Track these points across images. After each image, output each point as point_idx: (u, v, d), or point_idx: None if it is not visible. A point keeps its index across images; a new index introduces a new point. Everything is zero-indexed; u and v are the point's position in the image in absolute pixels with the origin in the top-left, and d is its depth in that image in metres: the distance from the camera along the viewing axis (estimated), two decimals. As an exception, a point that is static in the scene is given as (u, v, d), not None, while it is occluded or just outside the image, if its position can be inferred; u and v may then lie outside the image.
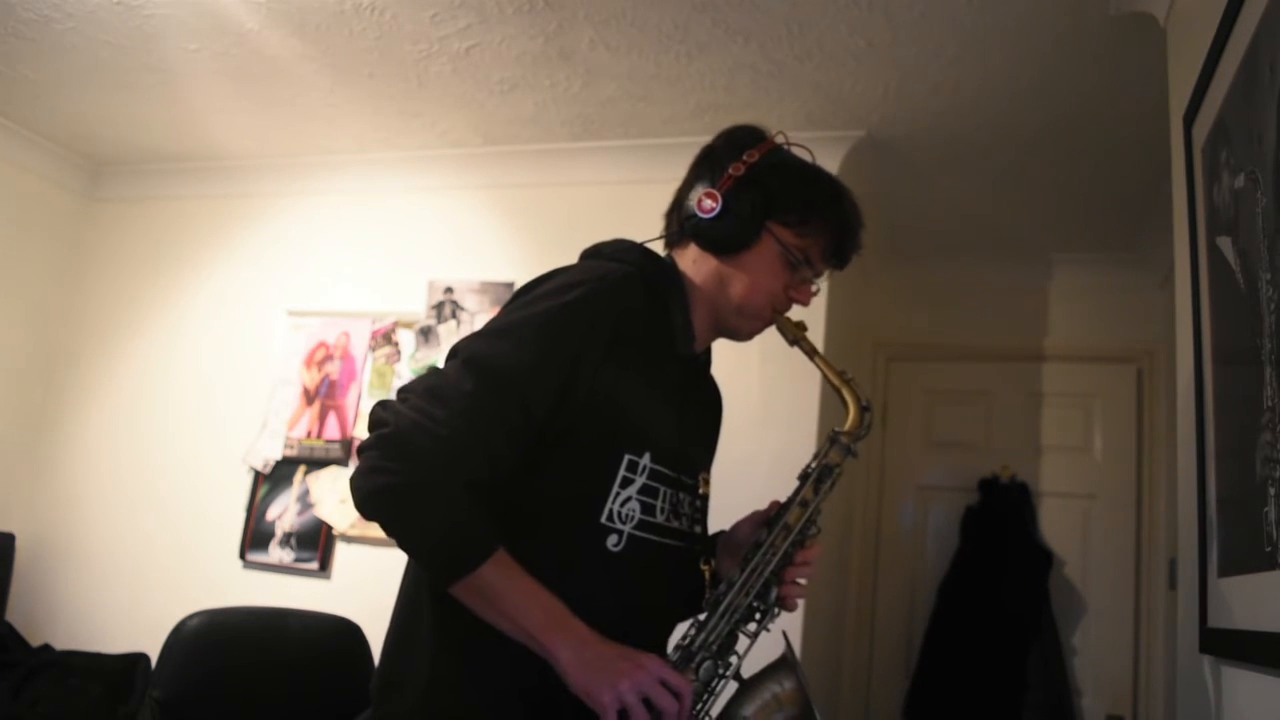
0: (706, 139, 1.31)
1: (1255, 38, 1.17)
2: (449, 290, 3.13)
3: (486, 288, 3.09)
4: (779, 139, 1.28)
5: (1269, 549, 1.04)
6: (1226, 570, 1.24)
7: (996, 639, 3.13)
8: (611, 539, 1.14)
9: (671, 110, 2.78)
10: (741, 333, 1.30)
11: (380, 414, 1.07)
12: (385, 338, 3.18)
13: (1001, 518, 3.28)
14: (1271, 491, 1.05)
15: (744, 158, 1.24)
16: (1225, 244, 1.29)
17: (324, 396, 3.20)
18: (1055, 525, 3.30)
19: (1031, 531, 3.27)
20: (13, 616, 3.16)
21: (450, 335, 3.09)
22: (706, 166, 1.27)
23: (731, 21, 2.31)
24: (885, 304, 3.66)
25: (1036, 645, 3.14)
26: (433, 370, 1.12)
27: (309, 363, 3.25)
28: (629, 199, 2.85)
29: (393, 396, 1.11)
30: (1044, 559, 3.22)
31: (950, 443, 3.54)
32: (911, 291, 3.65)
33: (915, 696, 3.25)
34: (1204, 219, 1.43)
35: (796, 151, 1.30)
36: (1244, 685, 1.18)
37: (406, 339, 3.16)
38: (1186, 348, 1.52)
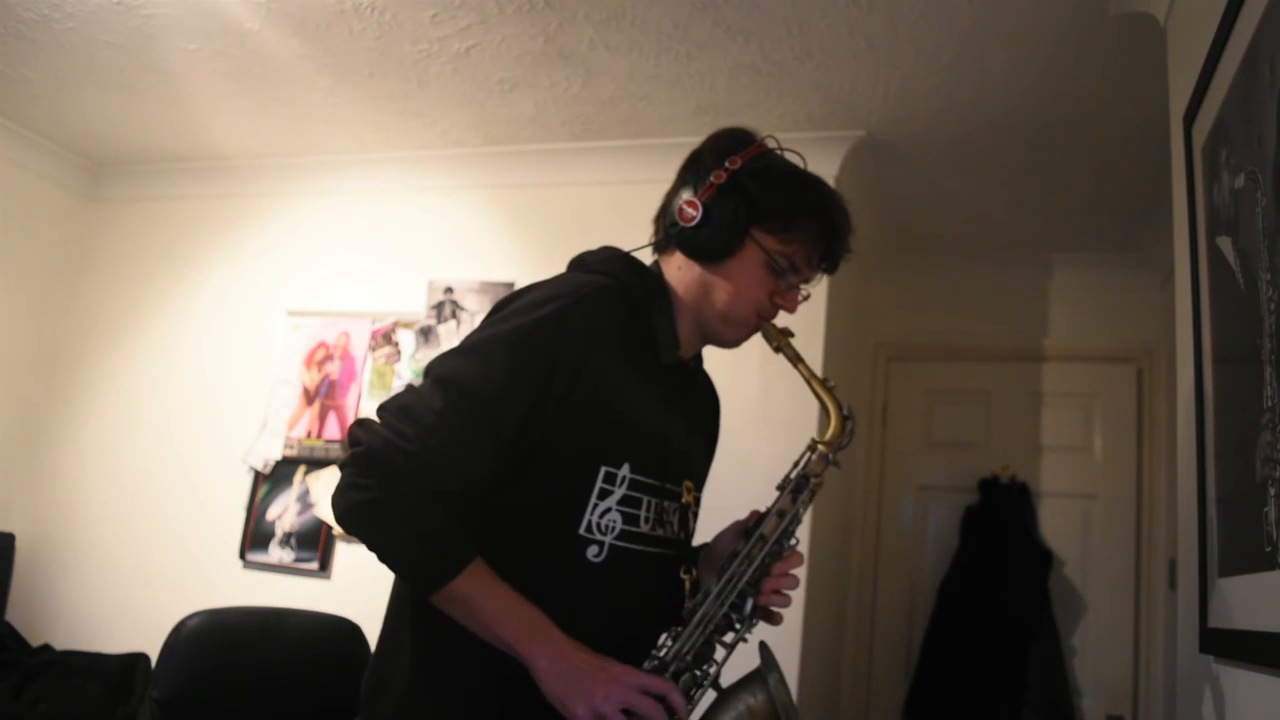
0: (706, 139, 1.30)
1: (1255, 38, 1.17)
2: (449, 290, 3.13)
3: (486, 288, 3.09)
4: (769, 142, 1.26)
5: (1269, 549, 1.04)
6: (1226, 570, 1.24)
7: (996, 639, 3.12)
8: (592, 550, 1.15)
9: (671, 110, 2.78)
10: (727, 340, 1.30)
11: (357, 433, 1.10)
12: (385, 338, 3.18)
13: (1001, 518, 3.28)
14: (1271, 491, 1.05)
15: (726, 164, 1.21)
16: (1225, 244, 1.29)
17: (324, 396, 3.20)
18: (1055, 525, 3.30)
19: (1031, 531, 3.27)
20: (13, 616, 3.16)
21: (450, 335, 3.09)
22: (691, 172, 1.25)
23: (731, 21, 2.31)
24: (885, 304, 3.66)
25: (1036, 645, 3.14)
26: (408, 389, 1.14)
27: (309, 363, 3.25)
28: (629, 199, 2.84)
29: (390, 399, 1.13)
30: (1044, 559, 3.22)
31: (950, 443, 3.54)
32: (912, 291, 3.65)
33: (915, 696, 3.25)
34: (1204, 219, 1.43)
35: (788, 156, 1.28)
36: (1244, 685, 1.18)
37: (406, 339, 3.16)
38: (1186, 348, 1.51)
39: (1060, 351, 3.46)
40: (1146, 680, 3.12)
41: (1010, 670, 3.10)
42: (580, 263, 1.29)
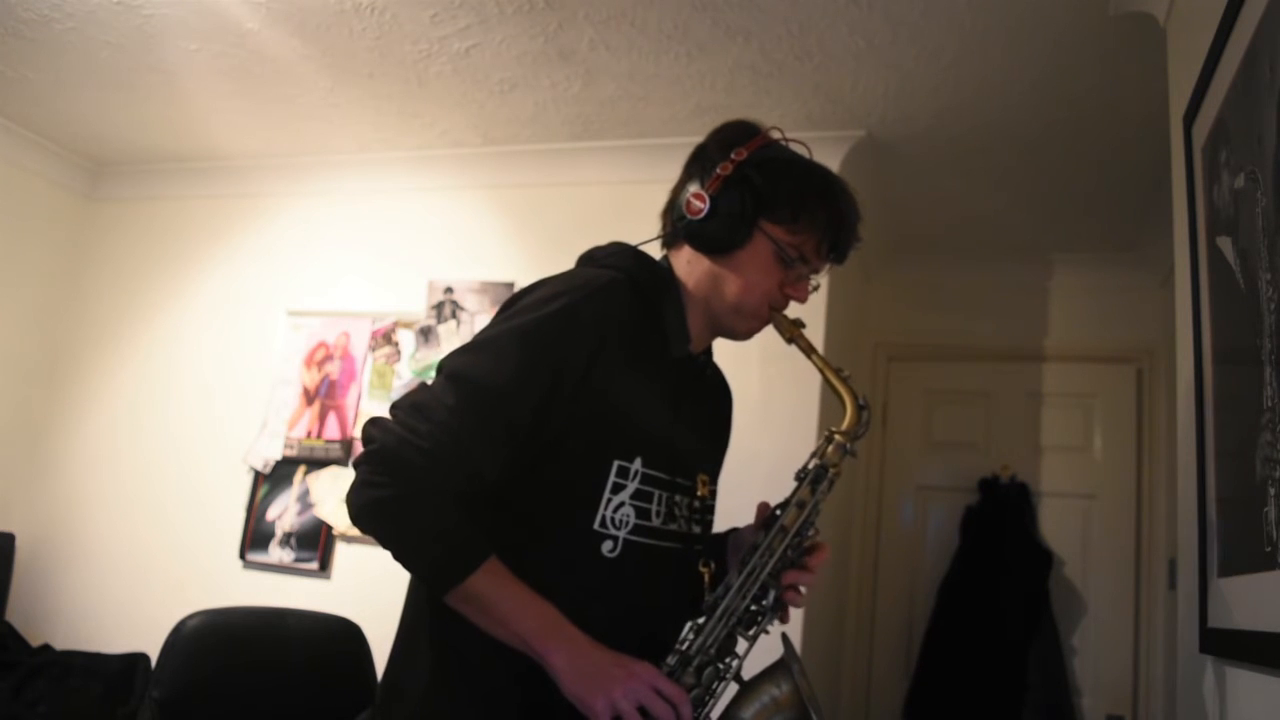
0: (706, 139, 1.30)
1: (1255, 38, 1.17)
2: (449, 290, 3.13)
3: (486, 288, 3.09)
4: (774, 134, 1.26)
5: (1269, 549, 1.04)
6: (1226, 570, 1.24)
7: (996, 639, 3.13)
8: (607, 545, 1.15)
9: (671, 110, 2.78)
10: (739, 332, 1.29)
11: (370, 431, 1.10)
12: (385, 338, 3.18)
13: (1001, 518, 3.28)
14: (1271, 491, 1.05)
15: (732, 156, 1.22)
16: (1225, 244, 1.29)
17: (324, 396, 3.20)
18: (1055, 525, 3.30)
19: (1031, 531, 3.27)
20: (13, 616, 3.16)
21: (450, 335, 3.09)
22: (697, 166, 1.26)
23: (731, 21, 2.31)
24: (885, 304, 3.66)
25: (1036, 645, 3.14)
26: (420, 386, 1.14)
27: (309, 363, 3.25)
28: (629, 199, 2.85)
29: (391, 399, 1.13)
30: (1044, 559, 3.22)
31: (950, 443, 3.54)
32: (911, 291, 3.65)
33: (915, 696, 3.25)
34: (1204, 219, 1.43)
35: (794, 147, 1.28)
36: (1244, 685, 1.18)
37: (406, 339, 3.16)
38: (1186, 348, 1.52)
39: (1060, 351, 3.46)
40: (1146, 680, 3.12)
41: (1010, 670, 3.10)
42: (589, 258, 1.29)
